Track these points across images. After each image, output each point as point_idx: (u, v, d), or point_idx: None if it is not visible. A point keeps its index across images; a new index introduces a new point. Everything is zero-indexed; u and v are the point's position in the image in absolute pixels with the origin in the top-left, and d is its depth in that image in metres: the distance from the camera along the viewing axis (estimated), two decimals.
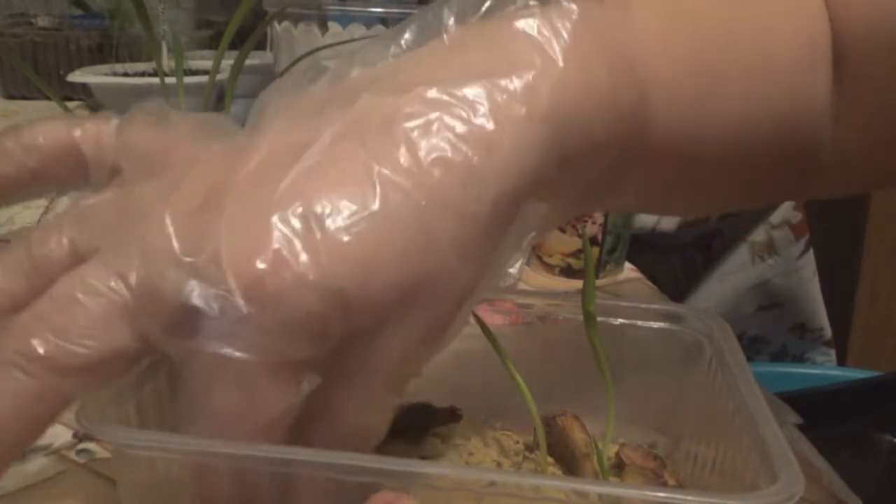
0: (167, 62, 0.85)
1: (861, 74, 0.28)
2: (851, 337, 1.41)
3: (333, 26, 0.84)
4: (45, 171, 0.27)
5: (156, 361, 0.28)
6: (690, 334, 0.33)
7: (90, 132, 0.27)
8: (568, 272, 0.69)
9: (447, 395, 0.34)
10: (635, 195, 0.29)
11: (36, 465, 0.38)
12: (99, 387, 0.21)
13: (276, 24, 0.87)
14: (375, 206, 0.21)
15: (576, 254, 0.68)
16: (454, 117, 0.22)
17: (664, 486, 0.30)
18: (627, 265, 0.72)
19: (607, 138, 0.25)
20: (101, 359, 0.21)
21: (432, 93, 0.23)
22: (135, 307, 0.21)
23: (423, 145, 0.22)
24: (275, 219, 0.21)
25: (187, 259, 0.20)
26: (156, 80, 0.79)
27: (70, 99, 1.02)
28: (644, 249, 0.87)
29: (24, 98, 1.16)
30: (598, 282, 0.68)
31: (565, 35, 0.24)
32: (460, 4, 0.25)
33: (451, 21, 0.25)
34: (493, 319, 0.34)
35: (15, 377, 0.20)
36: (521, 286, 0.66)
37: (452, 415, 0.33)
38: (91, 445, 0.40)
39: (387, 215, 0.21)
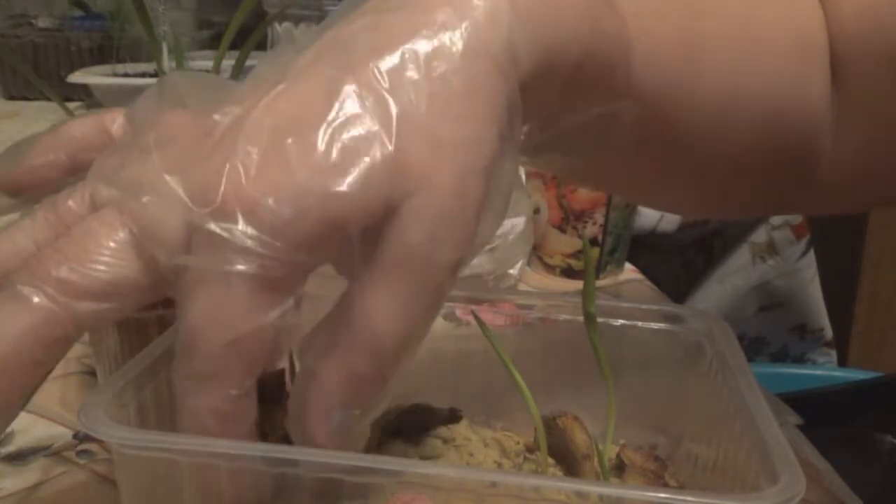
0: (168, 63, 0.85)
1: (859, 91, 0.28)
2: (852, 338, 1.41)
3: None
4: (81, 159, 0.29)
5: (156, 363, 0.28)
6: (691, 335, 0.33)
7: (120, 121, 0.29)
8: (568, 273, 0.69)
9: (447, 396, 0.34)
10: (627, 142, 0.28)
11: (37, 465, 0.38)
12: (109, 316, 0.22)
13: (276, 24, 0.87)
14: (334, 112, 0.22)
15: (576, 254, 0.68)
16: (411, 18, 0.23)
17: (665, 487, 0.30)
18: (628, 266, 0.72)
19: (579, 34, 0.25)
20: (112, 283, 0.22)
21: (390, 5, 0.24)
22: (139, 241, 0.22)
23: (381, 46, 0.22)
24: (241, 143, 0.22)
25: (170, 186, 0.22)
26: (156, 80, 0.79)
27: (70, 100, 1.03)
28: (645, 250, 0.87)
29: (25, 99, 1.16)
30: (599, 282, 0.68)
31: None
32: None
33: None
34: (494, 320, 0.34)
35: (31, 298, 0.21)
36: (522, 287, 0.66)
37: (453, 415, 0.33)
38: (92, 446, 0.40)
39: (347, 118, 0.22)
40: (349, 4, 0.26)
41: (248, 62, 0.61)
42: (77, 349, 0.49)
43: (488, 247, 0.61)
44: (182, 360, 0.22)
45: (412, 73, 0.22)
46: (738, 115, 0.28)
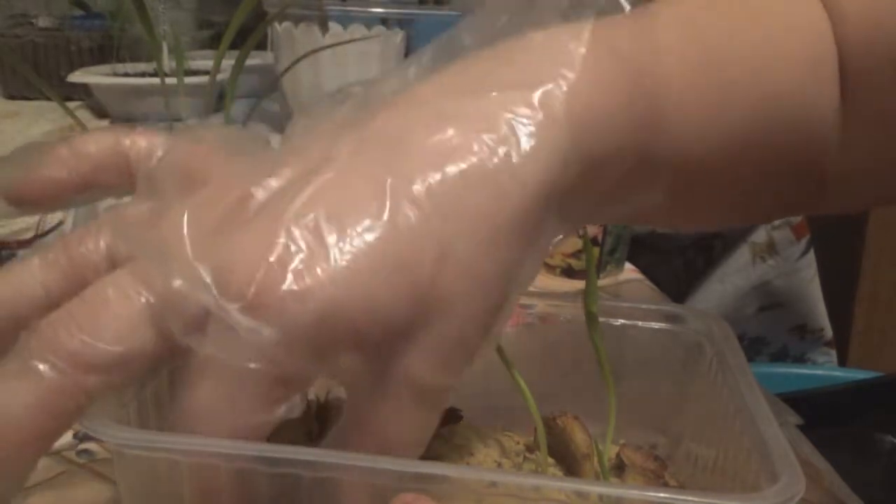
0: (168, 62, 0.85)
1: (863, 93, 0.28)
2: (852, 337, 1.41)
3: (334, 26, 0.85)
4: (94, 178, 0.28)
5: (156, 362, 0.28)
6: (691, 335, 0.33)
7: (140, 144, 0.28)
8: (569, 273, 0.69)
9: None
10: (658, 206, 0.28)
11: (37, 465, 0.38)
12: (120, 386, 0.22)
13: (276, 24, 0.87)
14: (384, 220, 0.21)
15: (576, 254, 0.68)
16: (469, 128, 0.22)
17: (665, 486, 0.30)
18: (628, 266, 0.72)
19: (625, 140, 0.25)
20: (125, 358, 0.22)
21: (447, 106, 0.23)
22: (157, 312, 0.22)
23: (437, 157, 0.22)
24: (282, 235, 0.21)
25: (200, 272, 0.21)
26: (156, 80, 0.80)
27: (71, 99, 1.02)
28: (645, 250, 0.87)
29: (25, 98, 1.16)
30: (599, 282, 0.68)
31: (581, 48, 0.24)
32: (477, 25, 0.26)
33: (469, 42, 0.25)
34: None
35: (41, 371, 0.21)
36: None
37: (453, 415, 0.33)
38: (92, 446, 0.40)
39: (396, 229, 0.21)
40: (401, 72, 0.25)
41: (249, 62, 0.61)
42: None
43: None
44: (178, 427, 0.22)
45: (463, 199, 0.21)
46: (758, 141, 0.28)
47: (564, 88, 0.23)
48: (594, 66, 0.24)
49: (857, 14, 0.28)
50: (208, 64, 0.70)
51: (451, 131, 0.22)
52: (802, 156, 0.29)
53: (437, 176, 0.22)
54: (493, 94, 0.23)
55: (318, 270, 0.21)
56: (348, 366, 0.22)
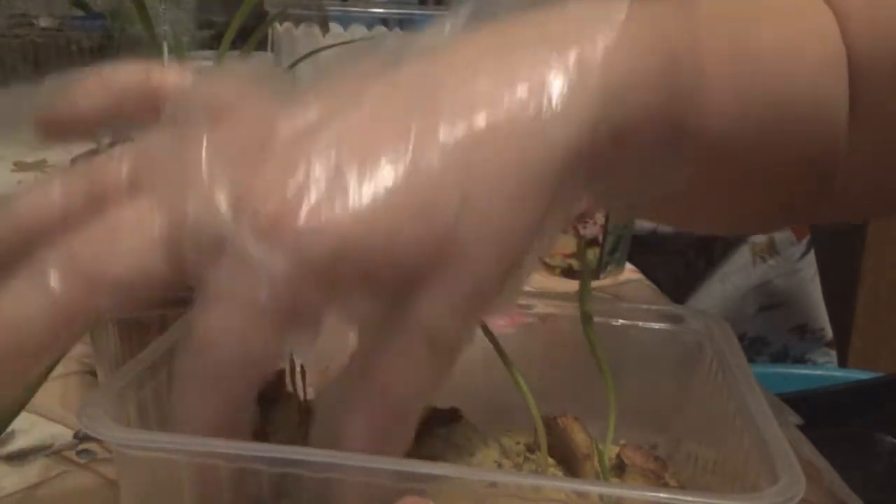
0: (168, 62, 0.85)
1: (868, 99, 0.28)
2: (852, 338, 1.41)
3: (334, 27, 0.84)
4: (121, 110, 0.28)
5: (156, 363, 0.28)
6: (691, 335, 0.33)
7: (169, 78, 0.28)
8: (569, 273, 0.69)
9: (448, 396, 0.34)
10: (678, 195, 0.28)
11: (37, 465, 0.38)
12: (126, 310, 0.22)
13: (277, 24, 0.87)
14: (408, 163, 0.21)
15: (576, 254, 0.68)
16: (501, 82, 0.22)
17: (665, 487, 0.30)
18: (628, 266, 0.72)
19: (659, 109, 0.24)
20: (134, 279, 0.22)
21: (480, 61, 0.23)
22: (172, 240, 0.22)
23: (466, 107, 0.22)
24: (303, 168, 0.21)
25: (219, 200, 0.21)
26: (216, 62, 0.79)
27: None
28: (645, 250, 0.87)
29: None
30: (600, 282, 0.68)
31: (620, 14, 0.24)
32: None
33: (509, 5, 0.25)
34: (494, 320, 0.34)
35: (51, 283, 0.21)
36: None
37: (453, 415, 0.33)
38: (92, 446, 0.40)
39: (419, 173, 0.21)
40: (436, 28, 0.25)
41: None
42: (77, 349, 0.49)
43: None
44: (188, 360, 0.22)
45: (489, 150, 0.21)
46: (776, 136, 0.27)
47: (601, 50, 0.23)
48: (633, 32, 0.24)
49: (859, 17, 0.28)
50: (208, 64, 0.70)
51: (482, 83, 0.22)
52: (818, 152, 0.28)
53: (465, 125, 0.22)
54: (529, 52, 0.23)
55: (337, 206, 0.21)
56: (361, 306, 0.22)
